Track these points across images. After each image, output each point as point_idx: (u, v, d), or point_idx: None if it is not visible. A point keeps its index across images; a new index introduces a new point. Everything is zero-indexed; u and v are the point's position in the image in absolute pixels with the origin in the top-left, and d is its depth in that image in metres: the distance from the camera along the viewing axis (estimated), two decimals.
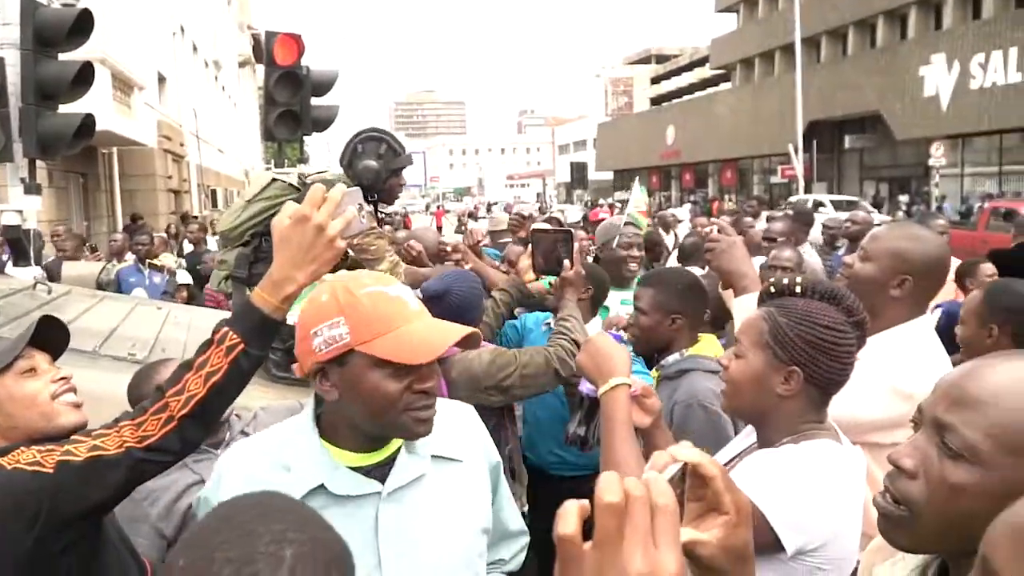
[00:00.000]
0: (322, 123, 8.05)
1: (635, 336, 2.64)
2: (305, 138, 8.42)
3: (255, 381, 2.79)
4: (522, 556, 1.79)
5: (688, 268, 5.43)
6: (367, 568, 1.35)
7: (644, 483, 0.69)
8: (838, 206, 19.15)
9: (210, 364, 1.44)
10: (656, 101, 62.65)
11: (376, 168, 3.34)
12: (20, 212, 6.53)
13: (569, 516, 0.67)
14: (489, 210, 34.82)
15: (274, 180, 3.21)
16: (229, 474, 1.45)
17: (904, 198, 27.16)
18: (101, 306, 4.11)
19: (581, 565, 0.66)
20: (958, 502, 0.97)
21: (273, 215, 3.13)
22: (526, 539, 1.80)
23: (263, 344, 1.48)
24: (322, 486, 1.38)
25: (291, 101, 7.52)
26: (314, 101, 7.86)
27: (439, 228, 27.57)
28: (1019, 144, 25.83)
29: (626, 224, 4.00)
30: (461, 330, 1.40)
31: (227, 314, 1.75)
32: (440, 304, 3.23)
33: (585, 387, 1.82)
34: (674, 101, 55.35)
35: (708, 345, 2.64)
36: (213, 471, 1.49)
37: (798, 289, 1.65)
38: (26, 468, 1.45)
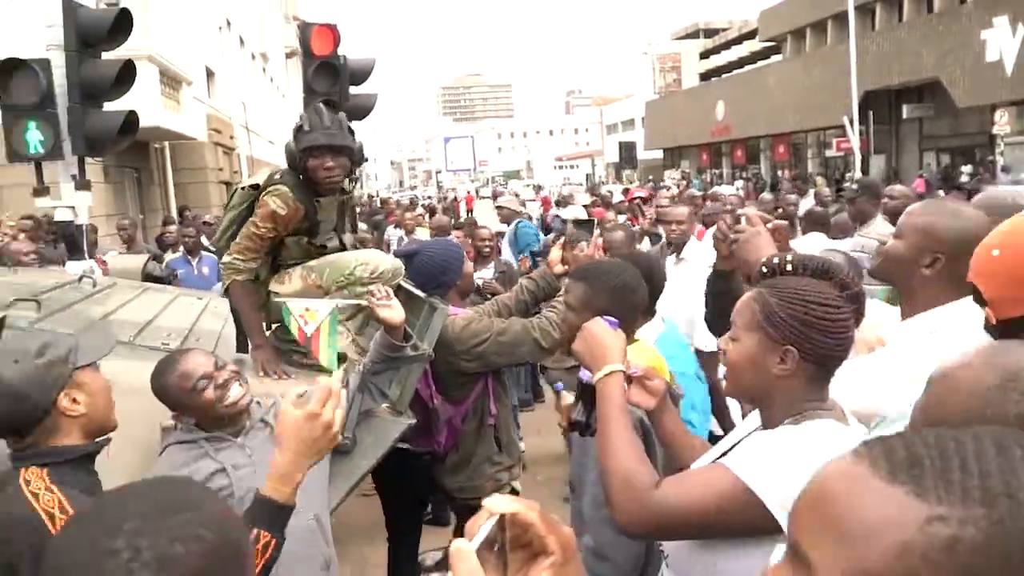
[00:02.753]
0: (361, 111, 8.12)
1: (561, 332, 2.52)
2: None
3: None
4: None
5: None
6: None
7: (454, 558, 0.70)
8: None
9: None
10: (705, 76, 61.49)
11: (290, 150, 3.13)
12: (72, 208, 6.76)
13: None
14: (535, 193, 34.56)
15: (238, 189, 3.27)
16: None
17: (967, 168, 26.24)
18: (143, 298, 4.23)
19: None
20: None
21: (243, 218, 3.18)
22: None
23: (284, 526, 1.59)
24: None
25: (330, 91, 7.58)
26: (353, 90, 7.94)
27: (469, 211, 27.53)
28: None
29: None
30: None
31: None
32: (410, 264, 3.38)
33: (584, 374, 1.83)
34: (723, 76, 54.29)
35: (641, 351, 2.43)
36: None
37: (789, 267, 1.62)
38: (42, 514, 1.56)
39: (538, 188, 50.14)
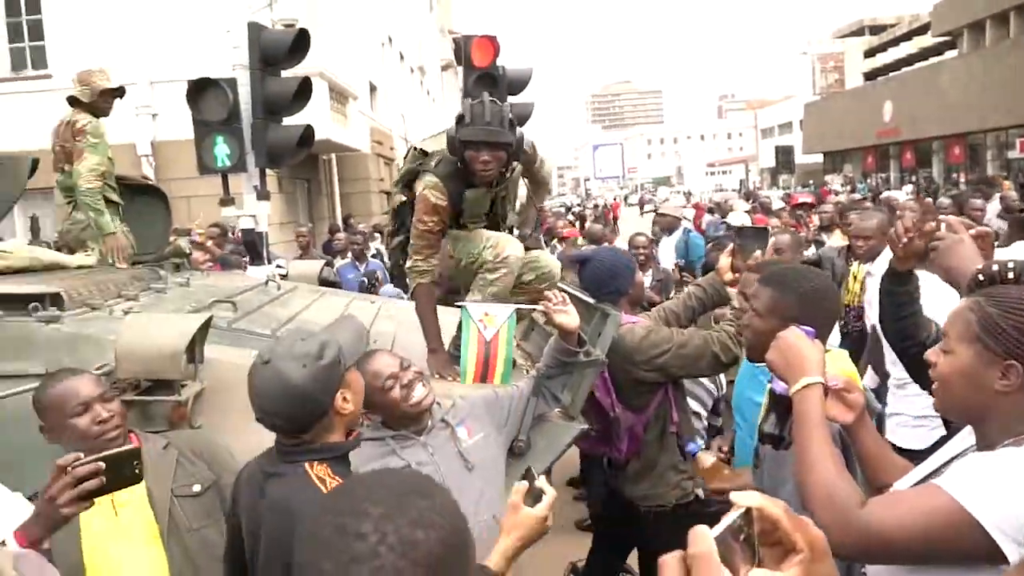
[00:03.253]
0: (519, 121, 8.22)
1: (745, 338, 2.32)
2: None
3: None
4: None
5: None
6: None
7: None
8: None
9: None
10: (870, 76, 58.35)
11: (451, 137, 3.09)
12: (254, 217, 7.26)
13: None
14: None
15: (412, 148, 3.40)
16: None
17: None
18: (322, 301, 4.46)
19: None
20: None
21: (412, 175, 3.27)
22: None
23: None
24: None
25: None
26: (510, 99, 8.08)
27: (615, 219, 27.26)
28: None
29: None
30: None
31: None
32: (582, 270, 3.36)
33: (778, 385, 1.75)
34: (891, 75, 51.31)
35: (836, 361, 2.26)
36: None
37: (1011, 275, 1.50)
38: None
39: (688, 194, 49.19)
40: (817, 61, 69.71)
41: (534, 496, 1.78)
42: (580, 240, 9.32)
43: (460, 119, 3.06)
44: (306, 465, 1.85)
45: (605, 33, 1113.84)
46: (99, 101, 4.54)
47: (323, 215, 16.94)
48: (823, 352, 1.69)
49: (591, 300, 3.22)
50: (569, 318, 2.57)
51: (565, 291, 2.76)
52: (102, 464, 1.68)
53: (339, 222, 15.34)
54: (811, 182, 40.29)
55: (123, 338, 2.49)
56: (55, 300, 2.94)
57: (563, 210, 19.05)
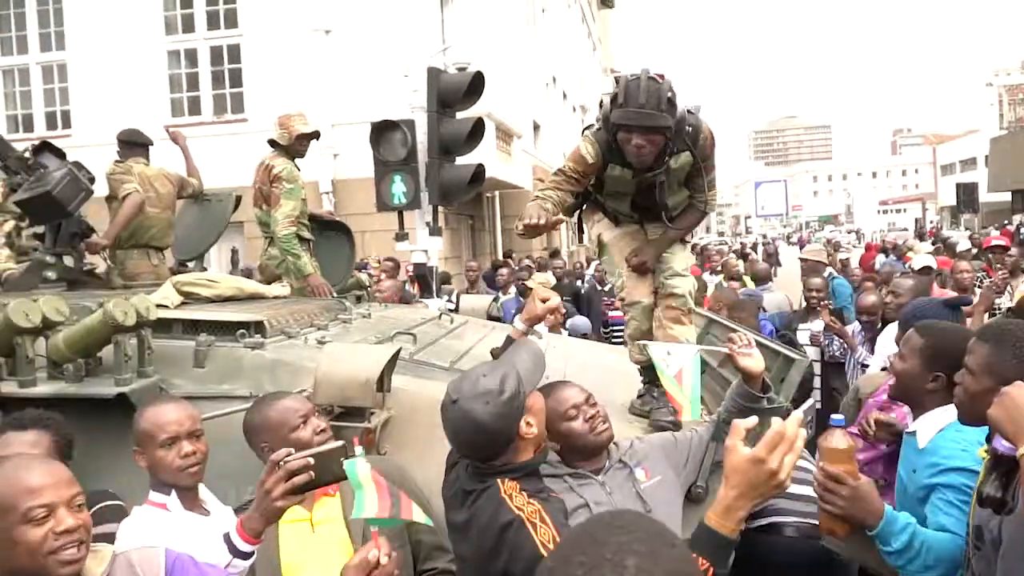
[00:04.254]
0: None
1: (956, 399, 2.12)
2: None
3: (616, 416, 2.93)
4: None
5: None
6: None
7: None
8: None
9: None
10: None
11: (605, 115, 2.91)
12: (426, 252, 7.55)
13: None
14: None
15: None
16: None
17: None
18: (492, 335, 4.56)
19: None
20: None
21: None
22: None
23: (726, 561, 1.57)
24: None
25: None
26: None
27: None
28: None
29: None
30: None
31: None
32: (950, 311, 3.48)
33: (1001, 444, 1.62)
34: None
35: None
36: None
37: None
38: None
39: (859, 234, 46.74)
40: (1005, 92, 64.90)
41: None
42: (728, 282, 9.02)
43: (613, 98, 2.85)
44: (498, 481, 2.04)
45: (769, 68, 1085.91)
46: (295, 144, 4.89)
47: (485, 250, 17.38)
48: None
49: (772, 343, 3.12)
50: (754, 362, 2.49)
51: (748, 335, 2.68)
52: (311, 460, 1.80)
53: (500, 257, 15.69)
54: (1006, 222, 37.19)
55: (323, 365, 2.65)
56: (259, 328, 3.18)
57: (725, 247, 18.60)
